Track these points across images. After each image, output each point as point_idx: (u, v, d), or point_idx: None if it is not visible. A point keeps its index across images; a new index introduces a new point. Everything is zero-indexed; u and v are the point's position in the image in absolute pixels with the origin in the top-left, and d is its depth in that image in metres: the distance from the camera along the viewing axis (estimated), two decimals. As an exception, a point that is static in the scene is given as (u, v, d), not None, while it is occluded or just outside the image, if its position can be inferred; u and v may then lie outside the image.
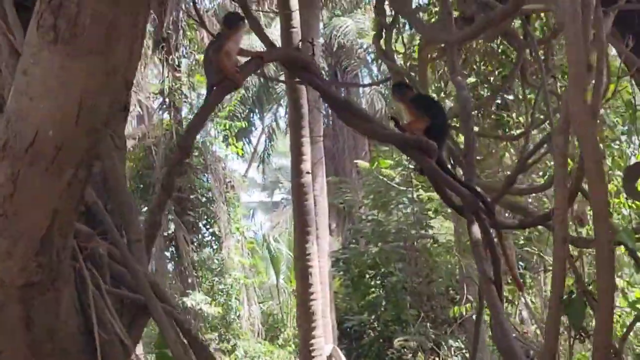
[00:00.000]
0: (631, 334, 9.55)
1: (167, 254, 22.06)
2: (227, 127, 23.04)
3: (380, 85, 25.18)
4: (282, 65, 5.33)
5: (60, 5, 3.02)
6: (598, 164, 3.07)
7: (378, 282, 21.24)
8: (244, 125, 24.16)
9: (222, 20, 4.92)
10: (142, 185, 22.37)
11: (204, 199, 21.96)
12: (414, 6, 8.46)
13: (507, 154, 11.24)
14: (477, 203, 4.98)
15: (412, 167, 5.57)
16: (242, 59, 4.73)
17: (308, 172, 13.32)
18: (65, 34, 3.03)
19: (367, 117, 4.96)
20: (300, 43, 11.81)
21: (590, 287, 4.78)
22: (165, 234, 21.55)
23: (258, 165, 35.08)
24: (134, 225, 4.14)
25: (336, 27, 28.42)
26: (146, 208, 22.41)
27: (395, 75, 7.00)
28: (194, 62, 21.97)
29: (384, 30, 7.27)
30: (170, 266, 22.24)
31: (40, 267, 3.33)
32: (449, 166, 5.61)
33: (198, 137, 21.96)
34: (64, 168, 3.22)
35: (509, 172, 6.71)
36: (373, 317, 20.68)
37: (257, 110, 30.95)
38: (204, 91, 24.66)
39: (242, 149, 25.76)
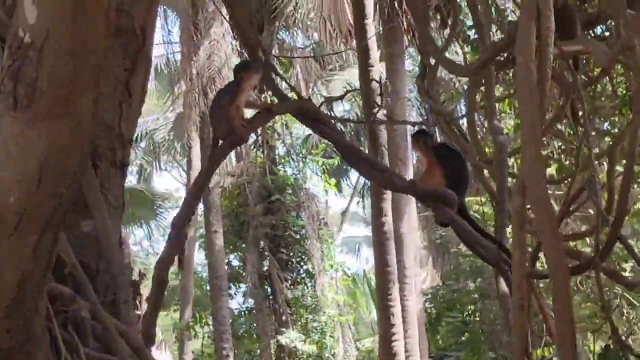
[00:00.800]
0: None
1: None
2: (321, 164, 23.06)
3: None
4: (293, 116, 5.27)
5: (19, 70, 3.00)
6: (552, 226, 2.92)
7: (477, 318, 20.97)
8: (336, 162, 24.12)
9: (235, 67, 4.88)
10: (236, 224, 22.57)
11: (297, 237, 21.97)
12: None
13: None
14: (499, 255, 4.80)
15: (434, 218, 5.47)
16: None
17: (386, 215, 13.17)
18: (23, 100, 3.01)
19: (381, 167, 4.85)
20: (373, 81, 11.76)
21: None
22: (260, 272, 21.65)
23: (358, 202, 35.01)
24: (124, 287, 4.13)
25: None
26: (243, 245, 22.68)
27: (437, 116, 6.88)
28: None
29: (427, 70, 7.15)
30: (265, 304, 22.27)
31: (10, 332, 3.32)
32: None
33: (290, 174, 22.13)
34: (28, 234, 3.21)
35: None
36: (472, 354, 20.37)
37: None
38: (297, 129, 25.03)
39: (337, 186, 25.80)
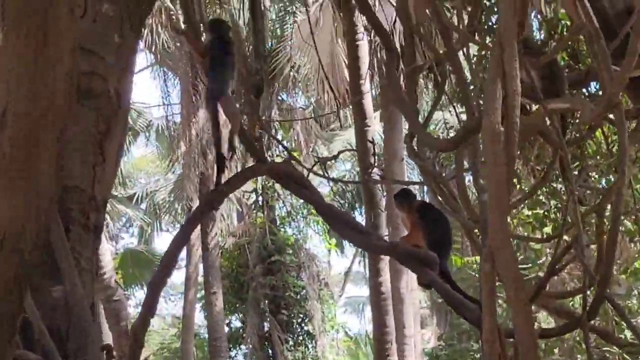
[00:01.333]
0: None
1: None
2: (322, 224, 23.03)
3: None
4: (272, 179, 5.25)
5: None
6: (519, 291, 2.87)
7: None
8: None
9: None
10: (236, 284, 22.49)
11: (298, 297, 21.86)
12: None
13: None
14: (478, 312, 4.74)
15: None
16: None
17: (382, 275, 13.06)
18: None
19: (360, 229, 4.80)
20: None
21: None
22: (260, 333, 21.52)
23: (360, 262, 34.84)
24: (94, 352, 4.06)
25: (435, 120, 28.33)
26: (244, 306, 22.57)
27: (426, 176, 6.83)
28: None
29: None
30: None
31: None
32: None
33: (291, 234, 22.11)
34: (-11, 297, 3.15)
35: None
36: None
37: (357, 206, 30.91)
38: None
39: (338, 246, 25.73)
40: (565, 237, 6.53)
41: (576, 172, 7.27)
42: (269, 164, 4.90)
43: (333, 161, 28.77)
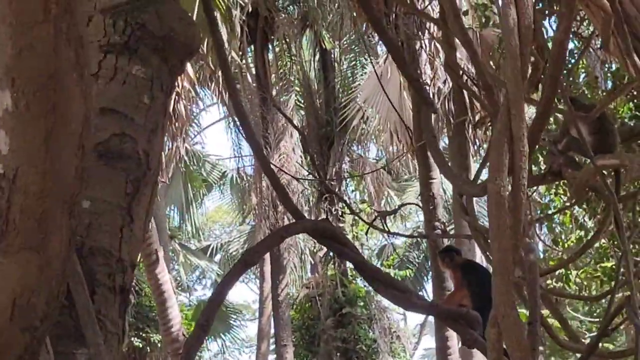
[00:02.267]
0: None
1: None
2: (394, 275, 22.86)
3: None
4: (309, 236, 5.21)
5: (-10, 202, 3.00)
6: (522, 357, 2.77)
7: None
8: (408, 275, 23.90)
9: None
10: (307, 337, 22.41)
11: (369, 350, 21.68)
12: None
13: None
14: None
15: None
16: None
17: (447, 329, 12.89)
18: (-4, 231, 3.00)
19: (401, 287, 4.72)
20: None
21: None
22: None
23: (432, 313, 34.42)
24: (118, 416, 4.04)
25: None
26: (315, 359, 22.47)
27: (474, 232, 6.72)
28: (358, 211, 22.05)
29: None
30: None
31: None
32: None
33: (362, 286, 21.98)
34: (-2, 371, 3.15)
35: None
36: None
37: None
38: (368, 241, 24.98)
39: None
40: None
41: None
42: (306, 223, 4.85)
43: (409, 212, 28.75)
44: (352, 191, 24.49)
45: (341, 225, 22.02)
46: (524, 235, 5.58)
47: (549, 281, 14.22)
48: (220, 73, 16.42)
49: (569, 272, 12.48)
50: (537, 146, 8.22)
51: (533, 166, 9.47)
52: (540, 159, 8.69)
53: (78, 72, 2.93)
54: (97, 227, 4.03)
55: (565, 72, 8.79)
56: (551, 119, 8.78)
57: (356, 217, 19.98)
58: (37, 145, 2.85)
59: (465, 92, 6.98)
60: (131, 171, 4.15)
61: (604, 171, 6.27)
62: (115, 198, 4.10)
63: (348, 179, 23.44)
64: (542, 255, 18.09)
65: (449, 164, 6.20)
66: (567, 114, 6.30)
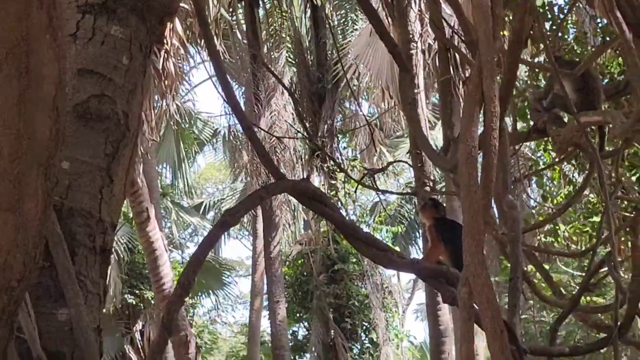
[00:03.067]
0: None
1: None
2: (385, 231, 22.98)
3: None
4: (291, 196, 5.22)
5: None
6: (495, 319, 2.80)
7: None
8: (400, 230, 23.97)
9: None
10: (300, 293, 22.53)
11: (361, 306, 21.81)
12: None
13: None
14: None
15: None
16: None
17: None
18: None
19: (380, 245, 4.73)
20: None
21: None
22: (324, 342, 21.50)
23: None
24: (98, 375, 4.07)
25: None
26: (305, 316, 22.62)
27: (458, 188, 6.75)
28: (349, 169, 22.05)
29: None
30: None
31: None
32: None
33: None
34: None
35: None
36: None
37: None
38: (360, 197, 25.03)
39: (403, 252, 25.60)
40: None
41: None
42: (286, 183, 4.84)
43: (402, 168, 28.75)
44: (344, 148, 24.47)
45: (333, 182, 22.05)
46: (506, 192, 5.62)
47: (539, 237, 14.31)
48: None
49: (557, 227, 12.53)
50: (524, 103, 8.23)
51: (523, 123, 9.49)
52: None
53: (51, 34, 2.93)
54: (76, 188, 4.04)
55: (554, 28, 8.79)
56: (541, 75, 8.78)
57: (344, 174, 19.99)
58: (10, 107, 2.85)
59: (450, 49, 6.98)
60: (110, 132, 4.16)
61: (588, 128, 6.29)
62: (94, 159, 4.11)
63: (340, 136, 23.40)
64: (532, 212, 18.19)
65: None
66: (551, 71, 6.31)
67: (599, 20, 10.31)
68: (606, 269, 5.72)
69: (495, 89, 2.92)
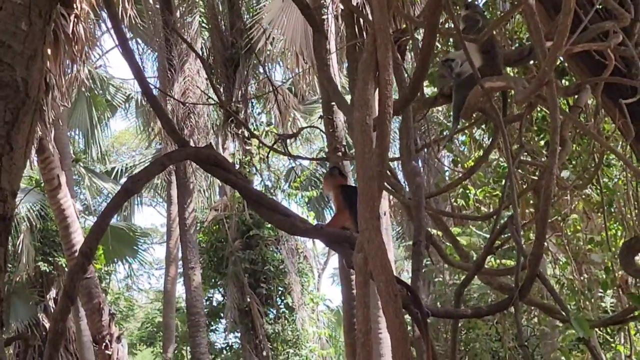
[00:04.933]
0: None
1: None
2: (300, 197, 23.08)
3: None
4: (194, 163, 5.22)
5: None
6: (389, 284, 2.86)
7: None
8: (315, 194, 24.09)
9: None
10: (215, 259, 22.54)
11: (276, 271, 21.92)
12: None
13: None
14: (408, 299, 4.72)
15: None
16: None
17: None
18: None
19: (284, 211, 4.77)
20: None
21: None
22: (240, 307, 21.57)
23: (345, 231, 34.76)
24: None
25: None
26: (220, 282, 22.63)
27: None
28: (264, 134, 22.04)
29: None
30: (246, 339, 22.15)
31: None
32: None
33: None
34: None
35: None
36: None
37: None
38: (275, 163, 25.07)
39: (317, 218, 25.80)
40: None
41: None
42: (189, 149, 4.84)
43: (316, 134, 28.84)
44: (259, 113, 24.43)
45: (248, 148, 22.03)
46: (410, 159, 5.70)
47: (452, 200, 14.51)
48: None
49: (468, 190, 12.70)
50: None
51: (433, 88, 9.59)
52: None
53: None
54: (-26, 156, 3.99)
55: (464, -6, 8.88)
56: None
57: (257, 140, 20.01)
58: None
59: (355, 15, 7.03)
60: (9, 99, 4.10)
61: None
62: (-9, 126, 4.05)
63: (255, 102, 23.34)
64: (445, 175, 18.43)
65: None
66: (456, 37, 6.40)
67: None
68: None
69: (389, 57, 2.95)
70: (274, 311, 22.13)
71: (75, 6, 13.96)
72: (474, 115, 6.82)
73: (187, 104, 19.58)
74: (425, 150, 15.01)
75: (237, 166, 21.83)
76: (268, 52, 21.55)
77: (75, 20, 14.13)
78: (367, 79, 2.97)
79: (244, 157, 21.89)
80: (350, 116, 6.26)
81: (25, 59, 4.18)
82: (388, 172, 6.74)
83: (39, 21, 4.27)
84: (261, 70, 23.69)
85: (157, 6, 20.75)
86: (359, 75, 3.02)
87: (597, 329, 10.45)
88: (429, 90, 10.17)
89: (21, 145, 4.17)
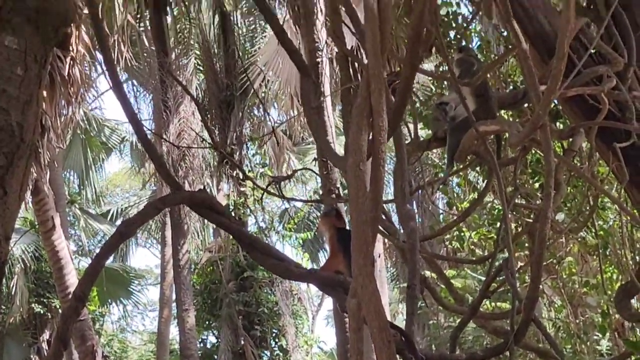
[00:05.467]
0: None
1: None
2: (294, 238, 23.07)
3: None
4: (188, 207, 5.22)
5: None
6: (383, 331, 2.85)
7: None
8: (309, 236, 24.09)
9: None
10: (209, 301, 22.47)
11: (271, 313, 21.84)
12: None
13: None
14: (402, 344, 4.69)
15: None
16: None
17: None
18: None
19: (278, 255, 4.76)
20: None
21: None
22: (234, 349, 21.46)
23: (340, 274, 34.74)
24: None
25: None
26: (214, 324, 22.53)
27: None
28: (258, 176, 22.07)
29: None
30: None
31: None
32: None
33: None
34: None
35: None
36: None
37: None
38: (269, 205, 25.07)
39: (313, 258, 25.78)
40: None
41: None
42: (184, 194, 4.85)
43: (309, 176, 28.85)
44: (253, 155, 24.47)
45: (242, 189, 22.03)
46: (404, 202, 5.69)
47: (447, 243, 14.50)
48: (115, 38, 16.23)
49: (463, 233, 12.70)
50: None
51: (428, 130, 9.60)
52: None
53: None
54: (-33, 199, 3.98)
55: (458, 37, 8.94)
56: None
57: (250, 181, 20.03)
58: None
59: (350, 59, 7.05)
60: (4, 144, 4.10)
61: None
62: (-15, 171, 4.04)
63: (249, 143, 23.39)
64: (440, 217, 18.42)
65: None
66: (451, 80, 6.42)
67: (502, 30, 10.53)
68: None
69: (383, 103, 2.96)
70: (268, 353, 22.03)
71: (71, 48, 14.02)
72: (468, 158, 6.84)
73: (181, 148, 19.59)
74: (420, 192, 15.01)
75: (232, 207, 21.82)
76: (263, 94, 21.65)
77: (71, 62, 14.19)
78: (360, 124, 2.98)
79: (238, 198, 21.89)
80: (333, 158, 6.28)
81: (21, 104, 4.19)
82: (382, 215, 6.74)
83: (34, 66, 4.28)
84: (256, 112, 23.78)
85: (153, 48, 20.83)
86: (352, 120, 3.03)
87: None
88: (423, 132, 10.19)
89: (15, 189, 4.16)
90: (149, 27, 21.16)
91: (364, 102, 2.99)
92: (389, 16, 2.90)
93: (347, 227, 6.07)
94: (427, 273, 10.56)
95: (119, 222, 30.43)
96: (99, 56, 16.37)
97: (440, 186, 10.67)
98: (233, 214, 22.16)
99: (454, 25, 8.99)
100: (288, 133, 23.04)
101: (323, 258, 29.47)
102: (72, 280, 15.12)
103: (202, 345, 23.09)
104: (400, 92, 3.34)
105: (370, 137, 3.05)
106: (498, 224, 12.29)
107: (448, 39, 8.77)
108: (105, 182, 33.79)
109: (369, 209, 3.02)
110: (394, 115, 3.33)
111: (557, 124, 8.42)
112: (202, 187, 20.38)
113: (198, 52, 22.91)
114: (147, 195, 28.61)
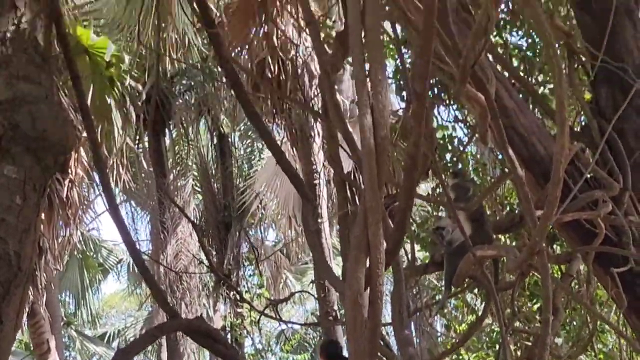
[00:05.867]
0: None
1: None
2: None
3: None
4: (185, 334, 5.19)
5: None
6: None
7: None
8: (305, 358, 23.86)
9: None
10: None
11: None
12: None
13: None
14: None
15: None
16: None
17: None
18: None
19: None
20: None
21: None
22: None
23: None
24: None
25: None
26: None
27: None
28: (255, 297, 21.99)
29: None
30: None
31: None
32: None
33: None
34: None
35: None
36: None
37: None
38: (266, 325, 24.86)
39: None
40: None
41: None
42: (181, 321, 4.83)
43: (307, 296, 28.72)
44: (250, 275, 24.41)
45: (239, 310, 21.90)
46: (402, 327, 5.66)
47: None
48: (113, 160, 16.35)
49: (461, 356, 12.61)
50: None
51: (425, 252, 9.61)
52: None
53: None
54: (-36, 329, 3.96)
55: (454, 159, 9.03)
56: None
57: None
58: None
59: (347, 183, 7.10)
60: (1, 272, 4.09)
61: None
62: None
63: (247, 263, 23.37)
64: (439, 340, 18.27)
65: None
66: (447, 205, 6.46)
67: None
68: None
69: (380, 236, 2.98)
70: None
71: (70, 171, 14.10)
72: (466, 281, 6.84)
73: (178, 272, 19.56)
74: (417, 314, 14.93)
75: (228, 329, 21.66)
76: (261, 215, 21.74)
77: (70, 184, 14.25)
78: (358, 257, 2.99)
79: (235, 319, 21.73)
80: (333, 281, 6.27)
81: (19, 233, 4.20)
82: (380, 340, 6.69)
83: (33, 195, 4.31)
84: (253, 232, 23.83)
85: (151, 169, 20.99)
86: (350, 251, 3.04)
87: None
88: (420, 254, 10.20)
89: (12, 318, 4.15)
90: (148, 149, 21.36)
91: (362, 234, 3.01)
92: (386, 148, 2.94)
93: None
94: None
95: (115, 344, 30.24)
96: (97, 177, 16.53)
97: (438, 309, 10.65)
98: (230, 335, 22.00)
99: (449, 148, 9.11)
100: (285, 252, 23.02)
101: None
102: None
103: None
104: (398, 224, 3.35)
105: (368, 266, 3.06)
106: (496, 347, 12.24)
107: (444, 161, 8.88)
108: (101, 303, 33.64)
109: (367, 340, 3.00)
110: (392, 247, 3.34)
111: (555, 246, 8.45)
112: (198, 308, 20.32)
113: (196, 174, 23.06)
114: (143, 317, 28.40)
